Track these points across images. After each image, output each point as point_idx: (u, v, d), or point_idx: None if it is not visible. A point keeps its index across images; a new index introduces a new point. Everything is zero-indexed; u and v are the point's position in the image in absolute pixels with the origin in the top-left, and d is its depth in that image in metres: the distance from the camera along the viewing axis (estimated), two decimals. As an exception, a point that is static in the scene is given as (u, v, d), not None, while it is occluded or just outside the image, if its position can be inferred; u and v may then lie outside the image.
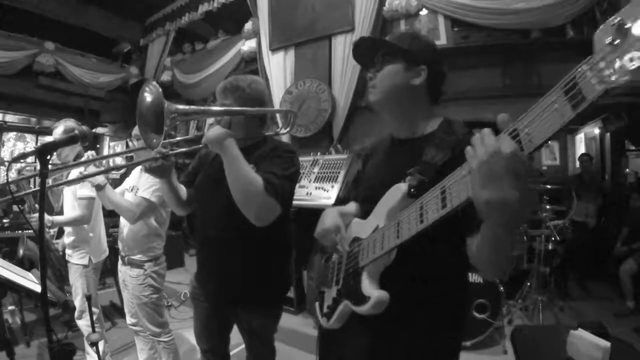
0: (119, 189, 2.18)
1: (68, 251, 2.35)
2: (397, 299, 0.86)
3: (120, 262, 2.14)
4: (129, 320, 2.21)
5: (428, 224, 0.74)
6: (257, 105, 1.40)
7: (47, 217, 2.23)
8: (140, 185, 2.01)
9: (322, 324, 1.03)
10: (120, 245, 2.13)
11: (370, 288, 0.87)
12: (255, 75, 5.02)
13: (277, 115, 3.93)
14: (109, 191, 1.93)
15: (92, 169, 1.91)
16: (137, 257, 2.04)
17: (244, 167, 1.22)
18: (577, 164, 5.07)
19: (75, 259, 2.31)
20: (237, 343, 1.70)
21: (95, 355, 1.78)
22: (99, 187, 1.91)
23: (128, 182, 2.19)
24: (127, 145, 7.19)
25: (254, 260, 1.38)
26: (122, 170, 2.31)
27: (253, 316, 1.46)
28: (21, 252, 2.70)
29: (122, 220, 2.08)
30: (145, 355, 2.25)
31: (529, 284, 3.28)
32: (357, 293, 0.89)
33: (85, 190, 2.24)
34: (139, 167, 2.16)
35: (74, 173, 2.28)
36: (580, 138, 6.79)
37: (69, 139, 1.24)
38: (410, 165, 0.90)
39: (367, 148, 1.22)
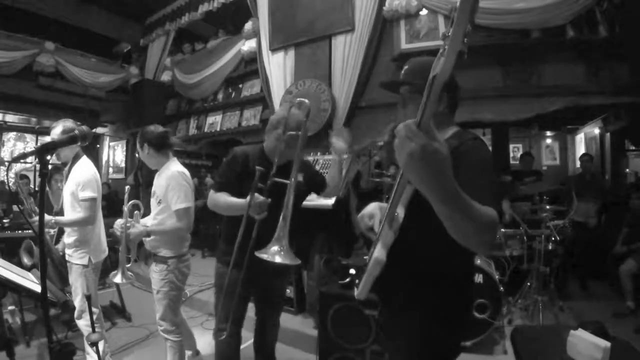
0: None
1: (68, 251, 2.35)
2: (405, 273, 1.09)
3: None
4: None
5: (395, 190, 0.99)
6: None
7: (51, 218, 2.25)
8: (169, 197, 2.10)
9: (355, 296, 1.20)
10: (147, 244, 2.20)
11: (376, 252, 1.04)
12: (255, 75, 5.00)
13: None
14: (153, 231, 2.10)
15: None
16: (162, 253, 2.13)
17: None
18: (577, 164, 5.06)
19: (75, 259, 2.32)
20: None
21: (95, 355, 1.79)
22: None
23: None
24: (127, 145, 7.21)
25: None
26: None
27: (273, 275, 1.87)
28: (25, 260, 2.71)
29: (146, 219, 2.23)
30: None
31: (529, 284, 3.28)
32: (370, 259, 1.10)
33: (88, 191, 2.25)
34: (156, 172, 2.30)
35: (74, 175, 2.29)
36: (580, 138, 6.80)
37: (69, 139, 1.25)
38: None
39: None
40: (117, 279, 2.09)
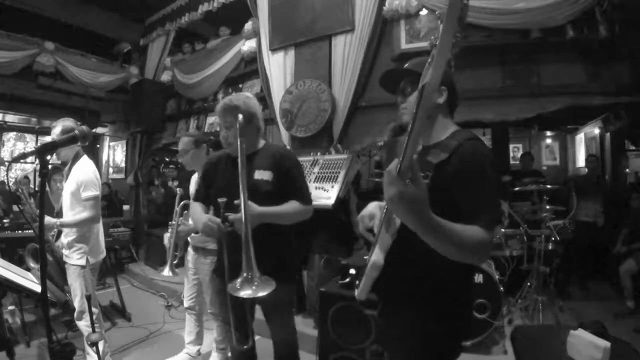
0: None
1: (65, 252, 2.35)
2: (404, 275, 1.10)
3: (192, 252, 2.55)
4: (187, 303, 2.67)
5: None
6: (253, 118, 1.69)
7: (55, 221, 2.26)
8: None
9: (355, 297, 1.20)
10: (192, 240, 2.50)
11: (374, 256, 1.06)
12: (255, 75, 4.99)
13: (278, 116, 3.93)
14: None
15: None
16: (211, 246, 2.37)
17: (283, 210, 1.63)
18: (577, 164, 5.07)
19: (73, 259, 2.32)
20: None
21: (95, 355, 1.79)
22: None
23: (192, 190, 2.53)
24: (127, 145, 7.20)
25: (279, 245, 1.71)
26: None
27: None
28: (31, 264, 2.73)
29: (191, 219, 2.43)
30: (193, 336, 2.68)
31: (529, 284, 3.28)
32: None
33: (90, 190, 2.27)
34: (195, 174, 2.51)
35: (75, 174, 2.30)
36: (580, 138, 6.79)
37: (70, 139, 1.25)
38: (420, 165, 1.03)
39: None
40: (165, 272, 2.34)
